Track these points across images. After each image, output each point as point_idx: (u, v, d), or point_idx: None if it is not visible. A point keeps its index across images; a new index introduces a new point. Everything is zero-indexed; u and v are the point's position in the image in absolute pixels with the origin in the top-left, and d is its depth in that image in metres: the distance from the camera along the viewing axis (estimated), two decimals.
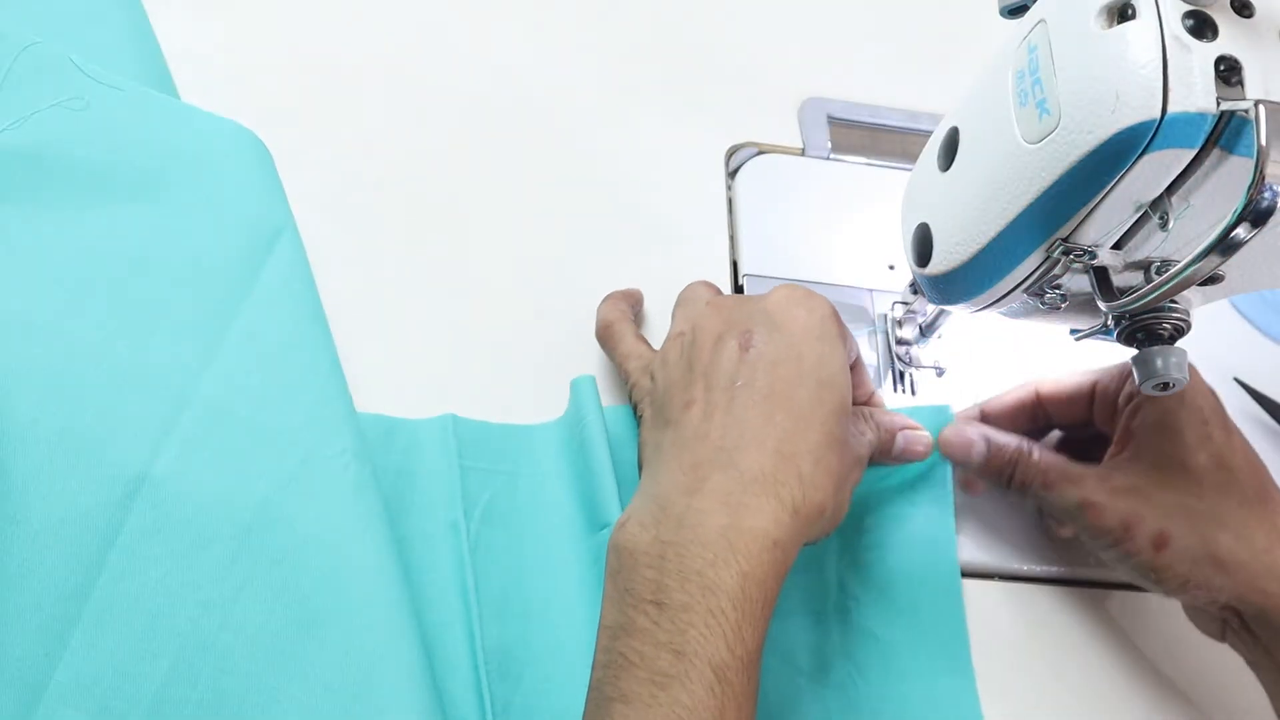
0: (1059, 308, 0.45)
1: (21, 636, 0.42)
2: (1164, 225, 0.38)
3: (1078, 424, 0.53)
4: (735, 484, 0.42)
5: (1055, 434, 0.54)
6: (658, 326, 0.56)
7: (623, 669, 0.40)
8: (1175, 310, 0.41)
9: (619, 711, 0.39)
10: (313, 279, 0.52)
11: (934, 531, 0.53)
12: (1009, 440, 0.51)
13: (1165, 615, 0.54)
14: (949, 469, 0.54)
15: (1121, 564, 0.48)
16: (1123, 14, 0.36)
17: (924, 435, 0.50)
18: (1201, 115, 0.35)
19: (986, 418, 0.53)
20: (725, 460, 0.43)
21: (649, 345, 0.52)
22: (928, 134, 0.48)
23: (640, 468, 0.47)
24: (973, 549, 0.53)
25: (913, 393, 0.56)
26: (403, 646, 0.45)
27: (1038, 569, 0.54)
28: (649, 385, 0.48)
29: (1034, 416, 0.53)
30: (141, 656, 0.43)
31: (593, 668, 0.42)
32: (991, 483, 0.52)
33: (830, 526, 0.45)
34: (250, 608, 0.44)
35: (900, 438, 0.50)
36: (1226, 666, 0.52)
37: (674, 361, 0.47)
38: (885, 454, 0.49)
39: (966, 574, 0.53)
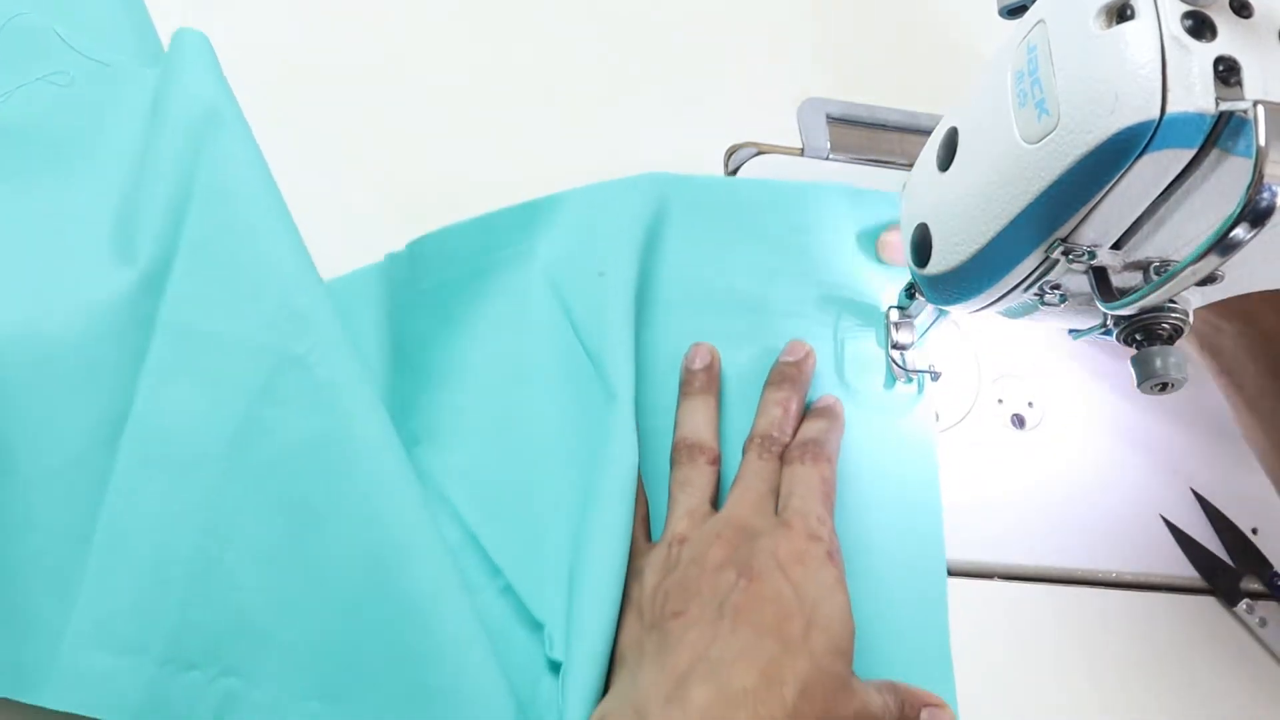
0: (1058, 308, 0.45)
1: (30, 586, 0.43)
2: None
3: None
4: (717, 697, 0.41)
5: None
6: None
7: None
8: (1174, 310, 0.41)
9: None
10: (259, 157, 0.49)
11: (921, 530, 0.53)
12: None
13: (1162, 614, 0.54)
14: (935, 471, 0.54)
15: None
16: (1121, 14, 0.36)
17: (950, 717, 0.48)
18: (1200, 115, 0.35)
19: None
20: (709, 672, 0.42)
21: (647, 530, 0.51)
22: (927, 134, 0.48)
23: (614, 665, 0.46)
24: (969, 548, 0.53)
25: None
26: (411, 528, 0.45)
27: (1034, 567, 0.54)
28: (635, 580, 0.48)
29: None
30: (153, 588, 0.44)
31: None
32: None
33: None
34: (251, 522, 0.45)
35: (925, 714, 0.48)
36: (1222, 665, 0.52)
37: (669, 570, 0.47)
38: None
39: (964, 573, 0.53)
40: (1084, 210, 0.39)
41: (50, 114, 0.52)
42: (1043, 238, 0.40)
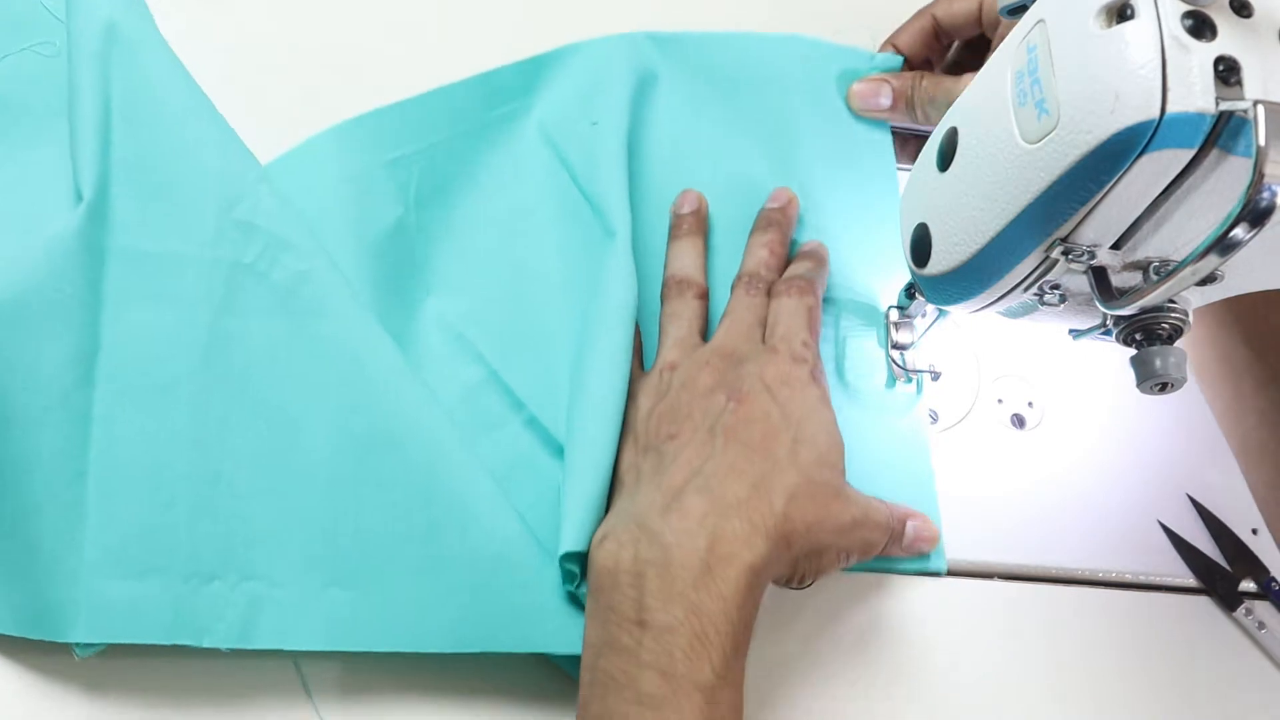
0: (1058, 308, 0.45)
1: (42, 529, 0.44)
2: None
3: (976, 39, 0.58)
4: (711, 507, 0.43)
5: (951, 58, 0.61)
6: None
7: (609, 689, 0.40)
8: (1174, 310, 0.41)
9: None
10: (172, 64, 0.49)
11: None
12: (905, 76, 0.58)
13: (1161, 616, 0.54)
14: (929, 460, 0.54)
15: None
16: (1121, 14, 0.36)
17: (933, 529, 0.52)
18: (1200, 115, 0.35)
19: (896, 48, 0.59)
20: (702, 485, 0.44)
21: (640, 360, 0.53)
22: (927, 134, 0.48)
23: (614, 488, 0.47)
24: (968, 548, 0.53)
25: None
26: (393, 408, 0.46)
27: (1034, 567, 0.54)
28: (630, 405, 0.50)
29: (937, 37, 0.58)
30: (159, 510, 0.45)
31: (580, 685, 0.42)
32: (901, 120, 0.59)
33: (807, 570, 0.46)
34: (238, 431, 0.46)
35: (910, 526, 0.51)
36: (1220, 667, 0.52)
37: (662, 395, 0.49)
38: (896, 541, 0.50)
39: (963, 573, 0.53)
40: (1084, 210, 0.39)
41: (36, 83, 0.53)
42: (1042, 238, 0.40)
